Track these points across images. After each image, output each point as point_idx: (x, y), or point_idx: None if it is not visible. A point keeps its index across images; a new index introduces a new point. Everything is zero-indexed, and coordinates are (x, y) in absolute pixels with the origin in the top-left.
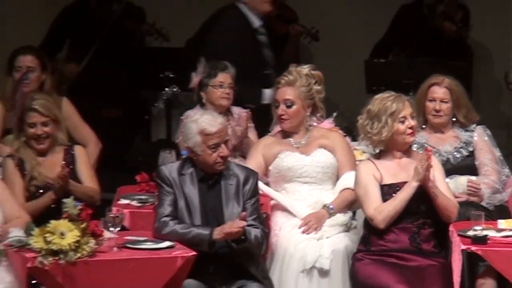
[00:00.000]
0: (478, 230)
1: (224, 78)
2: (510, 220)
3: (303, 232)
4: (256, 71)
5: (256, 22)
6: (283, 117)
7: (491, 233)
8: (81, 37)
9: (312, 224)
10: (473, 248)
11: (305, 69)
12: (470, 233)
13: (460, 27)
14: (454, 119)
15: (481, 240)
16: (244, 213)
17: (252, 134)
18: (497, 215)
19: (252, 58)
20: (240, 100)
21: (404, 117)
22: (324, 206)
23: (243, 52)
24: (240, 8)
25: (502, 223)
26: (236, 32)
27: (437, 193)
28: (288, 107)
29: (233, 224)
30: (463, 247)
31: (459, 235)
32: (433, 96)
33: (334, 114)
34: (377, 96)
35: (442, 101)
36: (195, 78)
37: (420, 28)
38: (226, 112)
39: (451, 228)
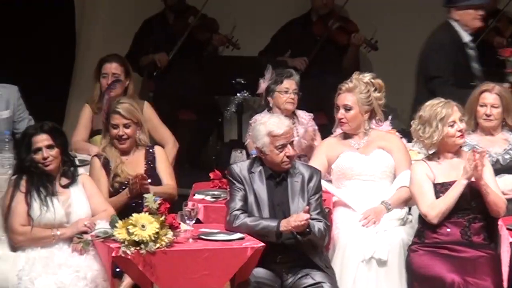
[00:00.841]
0: None
1: (289, 84)
2: None
3: (363, 225)
4: (465, 83)
5: (466, 37)
6: (342, 120)
7: None
8: (160, 48)
9: (371, 218)
10: None
11: (366, 77)
12: None
13: (510, 41)
14: (503, 123)
15: None
16: (307, 207)
17: (315, 135)
18: None
19: (462, 71)
20: None
21: (454, 122)
22: (382, 202)
23: (454, 65)
24: (452, 24)
25: None
26: (448, 46)
27: (487, 190)
28: (347, 111)
29: (298, 217)
30: (511, 239)
31: (507, 228)
32: (484, 102)
33: (390, 117)
34: (427, 103)
35: (492, 106)
36: (263, 84)
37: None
38: (291, 115)
39: (500, 222)
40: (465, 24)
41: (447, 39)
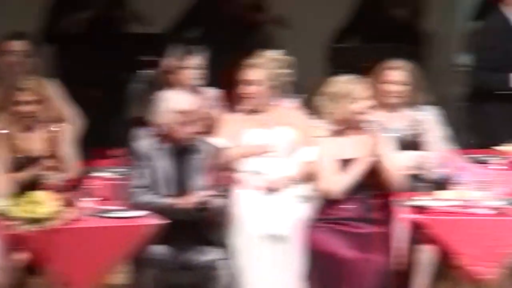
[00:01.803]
0: (419, 200)
1: (194, 60)
2: (450, 191)
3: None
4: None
5: None
6: (247, 96)
7: (430, 203)
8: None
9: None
10: (412, 216)
11: (273, 53)
12: (411, 202)
13: (412, 14)
14: (407, 100)
15: (421, 209)
16: (206, 183)
17: (219, 112)
18: (440, 187)
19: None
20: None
21: (359, 98)
22: (285, 177)
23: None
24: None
25: (442, 193)
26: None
27: (386, 167)
28: (252, 86)
29: (197, 194)
30: (403, 215)
31: (401, 204)
32: (388, 79)
33: (296, 95)
34: (333, 79)
35: (396, 83)
36: (167, 61)
37: (377, 15)
38: (194, 92)
39: (395, 198)
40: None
41: (495, 25)
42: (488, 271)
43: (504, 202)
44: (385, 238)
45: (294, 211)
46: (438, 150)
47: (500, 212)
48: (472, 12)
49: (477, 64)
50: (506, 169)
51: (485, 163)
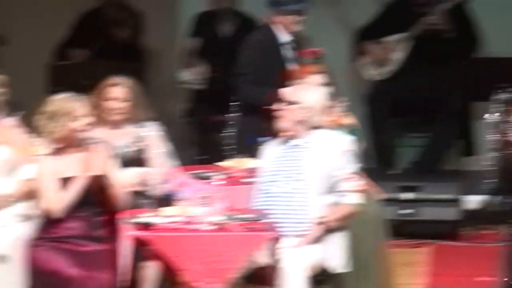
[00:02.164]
0: (143, 216)
1: None
2: (174, 207)
3: None
4: None
5: (284, 38)
6: None
7: (154, 220)
8: None
9: None
10: (136, 233)
11: None
12: (136, 219)
13: (133, 33)
14: (129, 116)
15: (145, 226)
16: None
17: None
18: (164, 204)
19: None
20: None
21: (78, 116)
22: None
23: (267, 65)
24: (270, 26)
25: (166, 210)
26: (261, 46)
27: (110, 183)
28: None
29: None
30: (127, 232)
31: (126, 222)
32: (109, 96)
33: (15, 113)
34: (52, 98)
35: (117, 100)
36: None
37: (97, 32)
38: None
39: (120, 215)
40: (285, 27)
41: (261, 39)
42: (210, 287)
43: (224, 218)
44: (111, 256)
45: (14, 230)
46: (162, 166)
47: (220, 227)
48: (189, 29)
49: (244, 79)
50: (226, 185)
51: (208, 179)
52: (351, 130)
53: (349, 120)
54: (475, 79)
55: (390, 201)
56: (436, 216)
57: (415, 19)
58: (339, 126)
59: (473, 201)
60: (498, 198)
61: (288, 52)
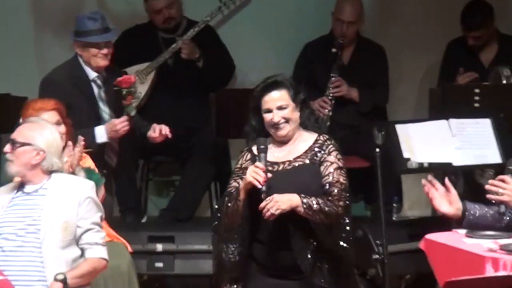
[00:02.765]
0: None
1: None
2: None
3: None
4: None
5: (93, 74)
6: None
7: None
8: None
9: None
10: None
11: None
12: None
13: None
14: None
15: None
16: None
17: None
18: None
19: None
20: None
21: None
22: None
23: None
24: (79, 59)
25: None
26: (61, 84)
27: None
28: None
29: None
30: None
31: None
32: None
33: None
34: None
35: None
36: None
37: None
38: None
39: None
40: (87, 61)
41: (64, 74)
42: None
43: None
44: None
45: None
46: None
47: None
48: None
49: None
50: None
51: None
52: (90, 174)
53: (88, 163)
54: (227, 112)
55: (141, 254)
56: (192, 269)
57: (160, 46)
58: (79, 170)
59: None
60: None
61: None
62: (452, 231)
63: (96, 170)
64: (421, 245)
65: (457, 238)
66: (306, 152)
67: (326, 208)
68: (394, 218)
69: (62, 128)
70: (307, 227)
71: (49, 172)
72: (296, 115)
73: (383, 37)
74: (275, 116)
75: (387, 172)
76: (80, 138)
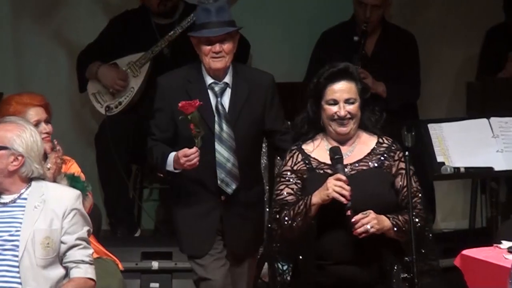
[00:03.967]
0: None
1: None
2: None
3: None
4: None
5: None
6: None
7: None
8: None
9: None
10: None
11: None
12: None
13: None
14: None
15: None
16: None
17: None
18: None
19: None
20: None
21: None
22: None
23: None
24: None
25: None
26: None
27: None
28: None
29: None
30: None
31: None
32: None
33: None
34: None
35: None
36: None
37: None
38: None
39: None
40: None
41: (179, 78)
42: None
43: None
44: None
45: None
46: None
47: None
48: None
49: None
50: None
51: None
52: (74, 181)
53: (73, 169)
54: None
55: (134, 272)
56: None
57: (154, 33)
58: (61, 177)
59: None
60: None
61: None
62: (493, 246)
63: (82, 177)
64: (457, 261)
65: (498, 254)
66: (369, 155)
67: (418, 225)
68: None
69: (50, 128)
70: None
71: (29, 180)
72: (359, 113)
73: (413, 23)
74: (341, 110)
75: (418, 178)
76: (55, 142)
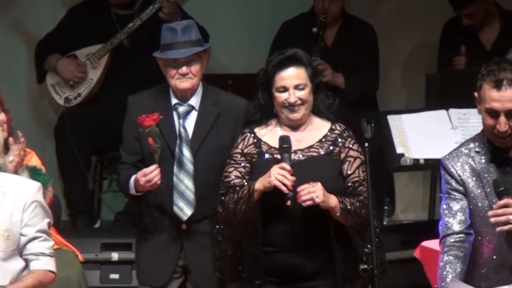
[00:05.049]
0: None
1: None
2: None
3: None
4: None
5: None
6: None
7: None
8: None
9: None
10: None
11: None
12: None
13: None
14: None
15: None
16: None
17: None
18: None
19: None
20: None
21: None
22: None
23: None
24: None
25: None
26: None
27: None
28: None
29: None
30: None
31: None
32: None
33: None
34: None
35: None
36: None
37: None
38: None
39: None
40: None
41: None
42: None
43: None
44: None
45: None
46: None
47: None
48: None
49: None
50: None
51: None
52: (36, 174)
53: (34, 161)
54: None
55: (94, 264)
56: None
57: (114, 24)
58: (22, 170)
59: None
60: None
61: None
62: None
63: (43, 169)
64: (416, 253)
65: None
66: (320, 141)
67: (363, 211)
68: (385, 222)
69: (2, 116)
70: (330, 232)
71: None
72: (311, 98)
73: (372, 15)
74: (292, 96)
75: (377, 170)
76: (19, 133)
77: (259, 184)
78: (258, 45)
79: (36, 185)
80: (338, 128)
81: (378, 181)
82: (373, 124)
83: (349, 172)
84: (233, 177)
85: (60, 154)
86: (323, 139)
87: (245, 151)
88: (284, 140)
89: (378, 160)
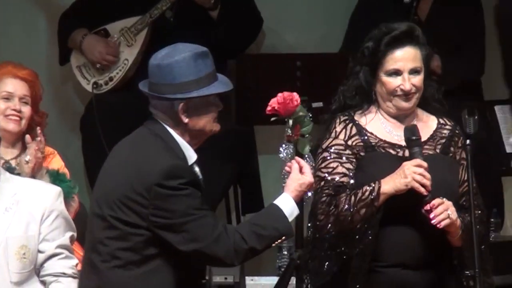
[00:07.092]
0: None
1: None
2: None
3: None
4: None
5: None
6: None
7: None
8: None
9: None
10: None
11: None
12: None
13: None
14: None
15: None
16: None
17: None
18: None
19: None
20: None
21: None
22: None
23: None
24: None
25: None
26: None
27: None
28: None
29: None
30: None
31: None
32: None
33: None
34: None
35: None
36: None
37: None
38: None
39: None
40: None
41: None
42: None
43: None
44: None
45: None
46: None
47: None
48: None
49: None
50: None
51: None
52: (58, 180)
53: (55, 163)
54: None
55: None
56: None
57: None
58: (42, 173)
59: None
60: None
61: None
62: None
63: (67, 174)
64: None
65: None
66: (432, 137)
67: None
68: (491, 239)
69: (27, 109)
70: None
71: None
72: (423, 85)
73: None
74: (406, 82)
75: (482, 173)
76: (38, 130)
77: (388, 186)
78: (333, 19)
79: (56, 190)
80: (448, 123)
81: (482, 188)
82: (476, 117)
83: (464, 178)
84: (341, 174)
85: (87, 151)
86: (435, 135)
87: (349, 143)
88: (412, 130)
89: (482, 161)
